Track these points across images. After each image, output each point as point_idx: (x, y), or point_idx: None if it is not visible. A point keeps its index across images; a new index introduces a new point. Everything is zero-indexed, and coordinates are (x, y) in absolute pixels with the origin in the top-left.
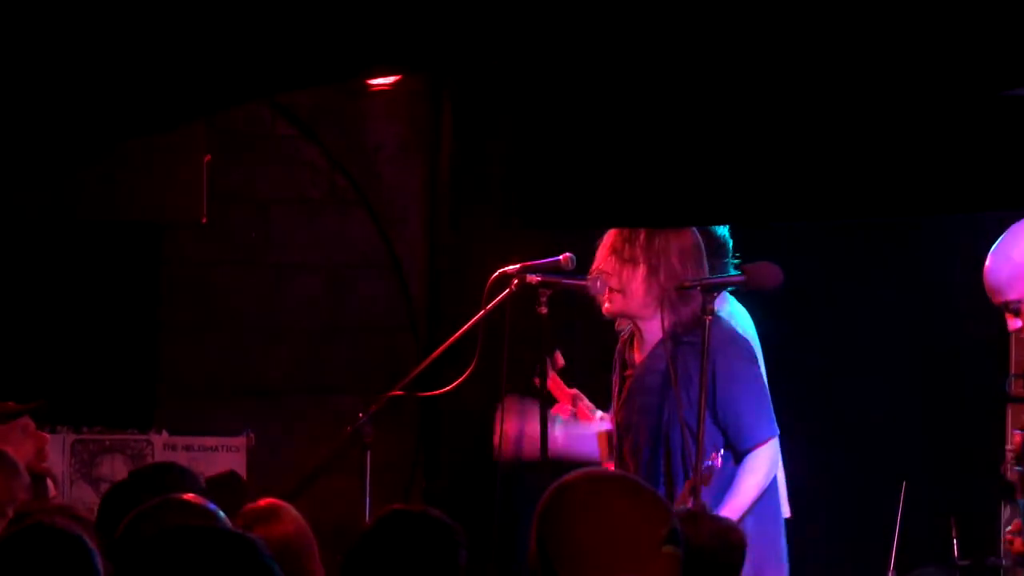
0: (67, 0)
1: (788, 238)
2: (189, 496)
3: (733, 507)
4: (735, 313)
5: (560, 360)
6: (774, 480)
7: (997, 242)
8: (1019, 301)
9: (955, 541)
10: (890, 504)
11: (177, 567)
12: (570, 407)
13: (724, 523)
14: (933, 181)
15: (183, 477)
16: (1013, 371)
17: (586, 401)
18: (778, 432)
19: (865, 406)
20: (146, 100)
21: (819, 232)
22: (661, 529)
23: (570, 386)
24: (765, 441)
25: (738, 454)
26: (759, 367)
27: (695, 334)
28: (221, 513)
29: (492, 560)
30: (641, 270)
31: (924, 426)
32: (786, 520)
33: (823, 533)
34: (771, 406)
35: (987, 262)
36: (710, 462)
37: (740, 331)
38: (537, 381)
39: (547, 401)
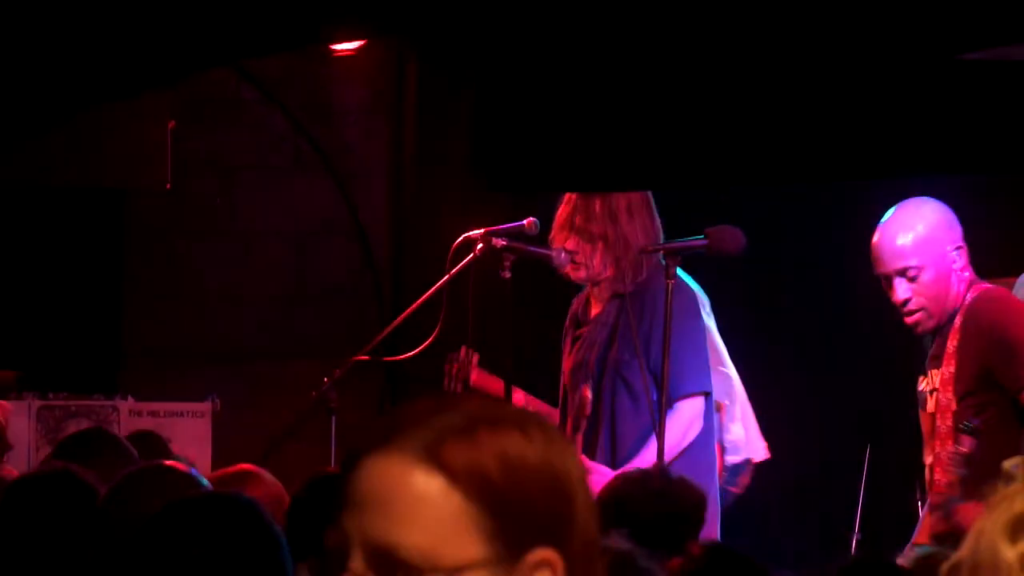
0: None
1: (764, 199)
2: (171, 463)
3: (647, 457)
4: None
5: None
6: (706, 432)
7: (891, 215)
8: (920, 268)
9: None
10: (858, 465)
11: (183, 537)
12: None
13: (677, 483)
14: (892, 144)
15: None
16: None
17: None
18: (710, 390)
19: (833, 366)
20: (111, 65)
21: (793, 193)
22: None
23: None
24: (691, 395)
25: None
26: (701, 321)
27: (640, 286)
28: (204, 480)
29: None
30: (598, 244)
31: (892, 388)
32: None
33: (790, 492)
34: (707, 363)
35: (884, 230)
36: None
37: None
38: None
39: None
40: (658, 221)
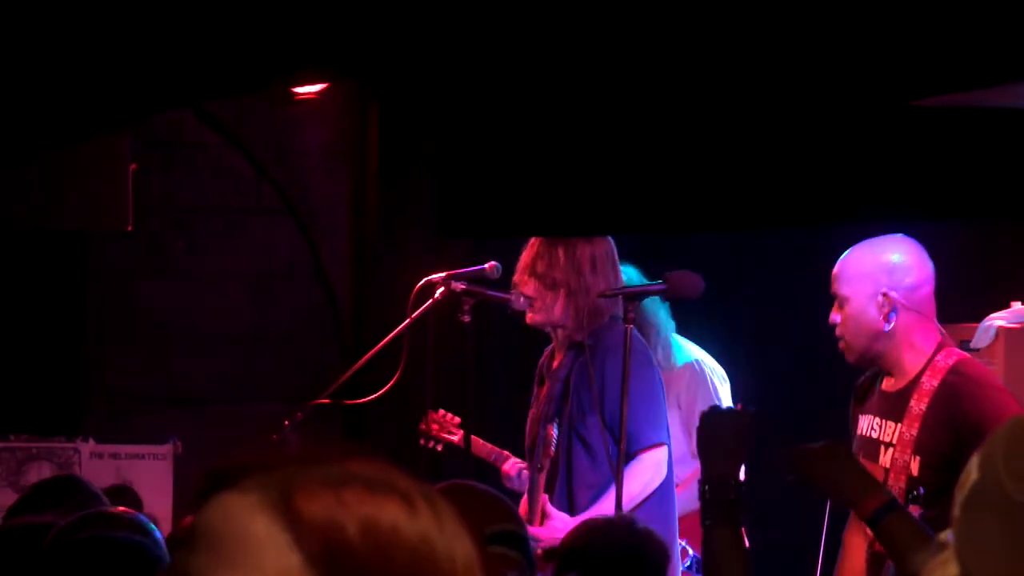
0: None
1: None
2: (120, 509)
3: (605, 508)
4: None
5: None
6: (667, 483)
7: (862, 242)
8: (845, 298)
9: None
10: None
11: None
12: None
13: (641, 532)
14: (843, 191)
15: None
16: None
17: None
18: (666, 441)
19: (798, 399)
20: (70, 108)
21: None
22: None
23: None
24: (651, 447)
25: (627, 457)
26: (655, 371)
27: (595, 337)
28: (152, 525)
29: None
30: (560, 291)
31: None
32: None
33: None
34: (664, 414)
35: (846, 253)
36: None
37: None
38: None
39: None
40: (621, 276)
